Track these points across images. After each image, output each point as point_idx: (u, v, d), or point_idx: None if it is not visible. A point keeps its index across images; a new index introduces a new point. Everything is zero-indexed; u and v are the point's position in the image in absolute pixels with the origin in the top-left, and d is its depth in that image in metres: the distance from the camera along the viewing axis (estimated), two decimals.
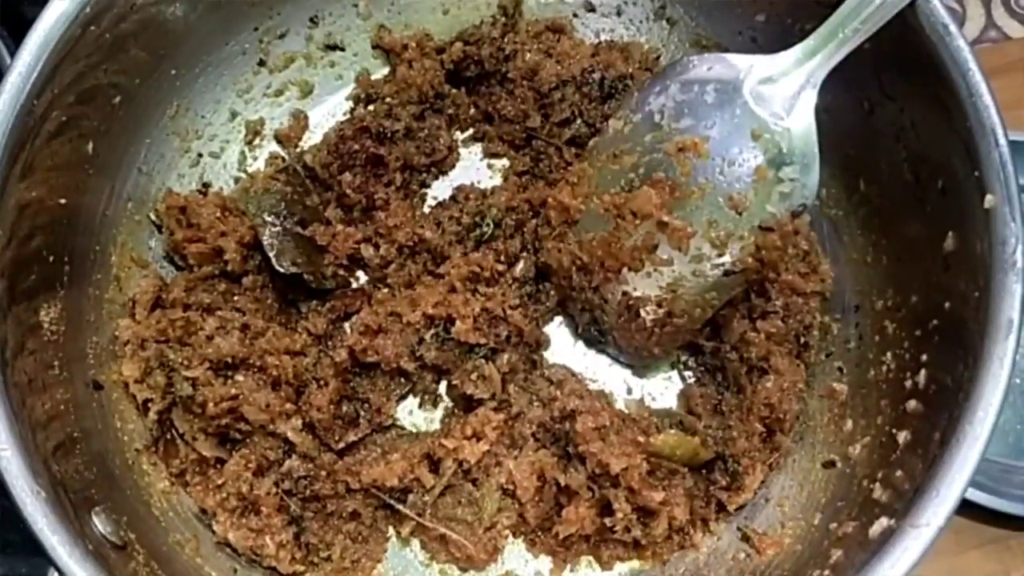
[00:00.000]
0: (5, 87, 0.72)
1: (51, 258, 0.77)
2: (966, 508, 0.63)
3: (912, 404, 0.74)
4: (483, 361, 0.85)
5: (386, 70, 1.01)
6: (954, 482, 0.63)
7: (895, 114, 0.79)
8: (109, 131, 0.82)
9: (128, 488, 0.77)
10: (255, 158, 0.99)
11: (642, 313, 0.84)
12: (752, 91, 0.77)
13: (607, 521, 0.80)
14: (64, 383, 0.76)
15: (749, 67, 0.77)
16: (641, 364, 0.90)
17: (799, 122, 0.75)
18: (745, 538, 0.82)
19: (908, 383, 0.76)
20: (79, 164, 0.80)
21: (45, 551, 0.62)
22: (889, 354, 0.80)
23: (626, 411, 0.87)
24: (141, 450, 0.82)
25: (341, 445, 0.84)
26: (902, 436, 0.73)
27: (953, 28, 0.71)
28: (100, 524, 0.68)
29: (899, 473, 0.71)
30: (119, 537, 0.70)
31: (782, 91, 0.76)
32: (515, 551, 0.86)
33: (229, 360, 0.81)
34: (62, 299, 0.78)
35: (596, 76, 0.93)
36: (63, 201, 0.78)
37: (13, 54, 0.85)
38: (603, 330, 0.88)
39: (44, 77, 0.73)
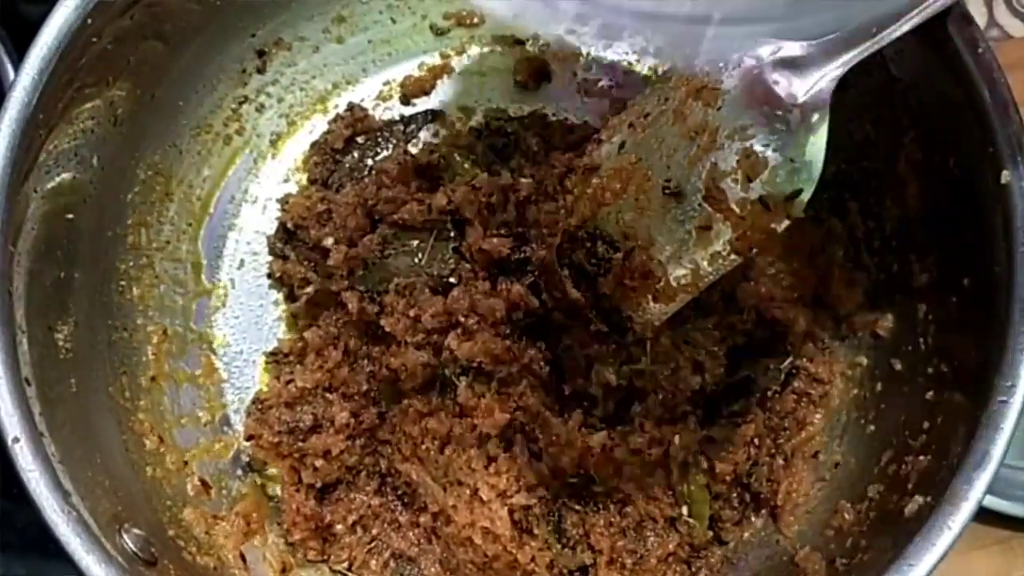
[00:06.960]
0: (9, 103, 0.70)
1: (62, 275, 0.77)
2: None
3: (931, 394, 0.75)
4: None
5: None
6: (989, 457, 0.64)
7: (903, 94, 0.79)
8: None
9: (153, 506, 0.78)
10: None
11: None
12: (774, 70, 0.76)
13: None
14: (82, 403, 0.76)
15: (777, 48, 0.77)
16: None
17: (812, 106, 0.75)
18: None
19: (931, 370, 0.76)
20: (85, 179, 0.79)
21: (79, 569, 0.62)
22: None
23: None
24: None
25: None
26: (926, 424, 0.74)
27: (961, 5, 0.71)
28: (131, 541, 0.68)
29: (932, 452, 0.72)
30: (149, 554, 0.69)
31: (803, 76, 0.75)
32: None
33: None
34: (75, 318, 0.78)
35: None
36: (70, 216, 0.78)
37: (11, 54, 0.85)
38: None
39: (49, 88, 0.72)
